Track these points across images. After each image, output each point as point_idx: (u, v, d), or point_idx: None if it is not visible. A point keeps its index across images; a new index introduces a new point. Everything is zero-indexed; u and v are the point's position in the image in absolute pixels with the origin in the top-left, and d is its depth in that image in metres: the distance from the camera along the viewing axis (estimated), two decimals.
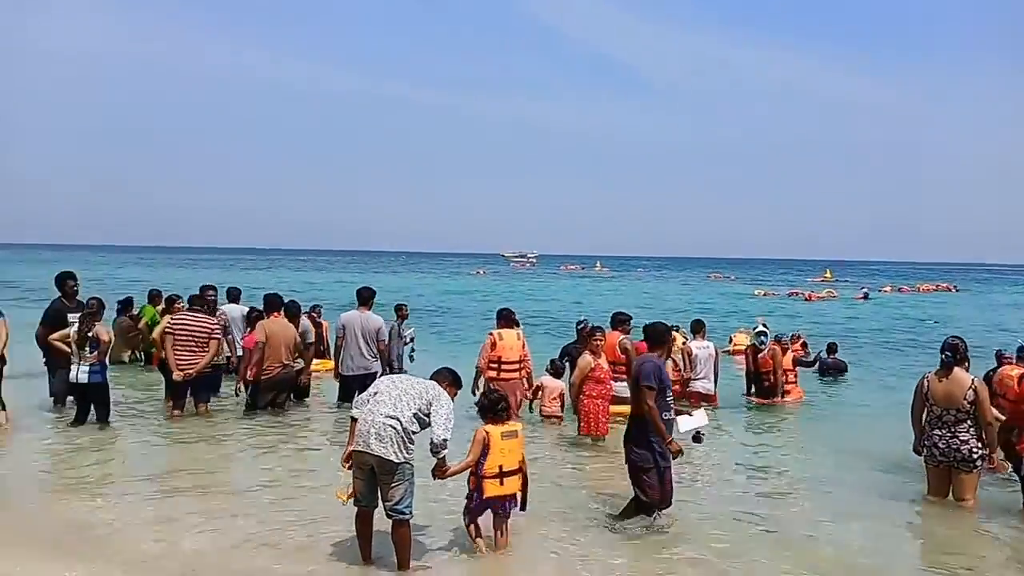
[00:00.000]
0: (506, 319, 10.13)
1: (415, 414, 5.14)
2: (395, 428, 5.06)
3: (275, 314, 9.88)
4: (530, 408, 10.32)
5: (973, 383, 6.64)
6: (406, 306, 12.88)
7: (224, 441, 8.66)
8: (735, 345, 17.96)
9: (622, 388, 9.59)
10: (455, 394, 5.44)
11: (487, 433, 5.42)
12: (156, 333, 10.57)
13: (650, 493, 5.94)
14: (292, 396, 10.27)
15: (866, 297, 44.14)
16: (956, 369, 6.71)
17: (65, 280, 9.69)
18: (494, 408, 5.54)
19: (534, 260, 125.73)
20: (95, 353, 8.67)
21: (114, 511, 6.17)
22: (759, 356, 11.97)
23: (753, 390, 12.10)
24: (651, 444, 5.96)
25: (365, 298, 10.55)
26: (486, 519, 5.53)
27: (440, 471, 5.31)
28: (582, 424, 8.89)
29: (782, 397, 11.80)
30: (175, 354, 9.27)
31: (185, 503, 6.42)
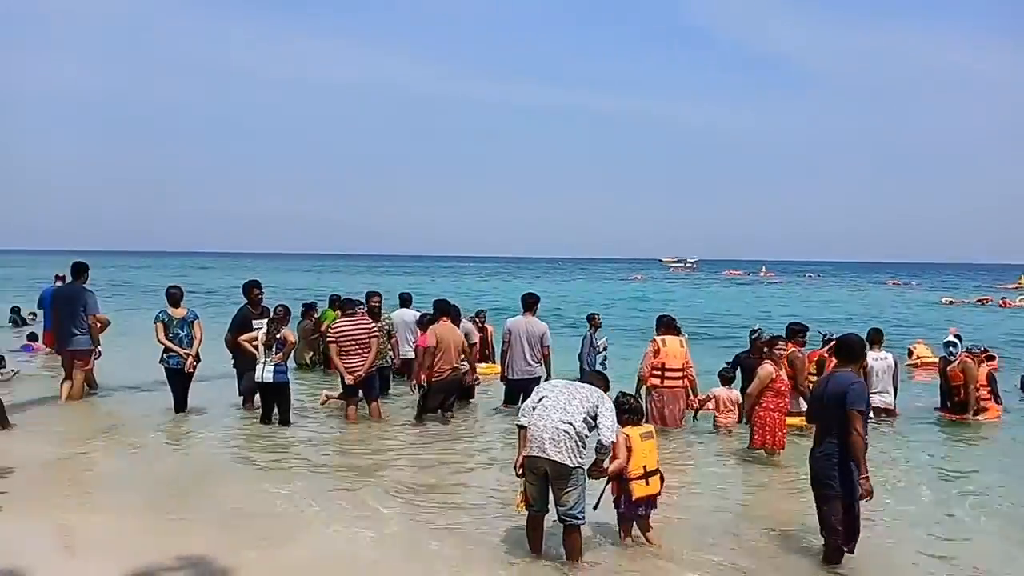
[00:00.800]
0: (668, 325, 10.03)
1: (584, 419, 5.23)
2: (568, 433, 5.15)
3: (444, 319, 10.27)
4: (694, 418, 10.14)
5: None
6: (598, 315, 13.35)
7: (394, 440, 9.09)
8: (918, 358, 16.81)
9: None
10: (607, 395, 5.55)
11: (627, 436, 5.54)
12: None
13: (833, 521, 5.42)
14: (459, 398, 10.64)
15: None
16: None
17: (251, 288, 10.52)
18: (630, 410, 5.72)
19: (694, 265, 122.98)
20: (280, 353, 9.34)
21: (290, 500, 6.66)
22: (948, 369, 11.15)
23: (946, 405, 11.20)
24: (846, 473, 5.34)
25: (530, 304, 10.77)
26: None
27: (597, 470, 5.44)
28: (756, 436, 8.62)
29: (975, 414, 10.87)
30: (342, 359, 9.86)
31: (347, 497, 6.81)
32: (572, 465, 5.14)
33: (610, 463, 5.50)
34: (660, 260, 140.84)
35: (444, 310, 10.38)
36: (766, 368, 8.61)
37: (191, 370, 10.05)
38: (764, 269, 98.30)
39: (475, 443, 9.17)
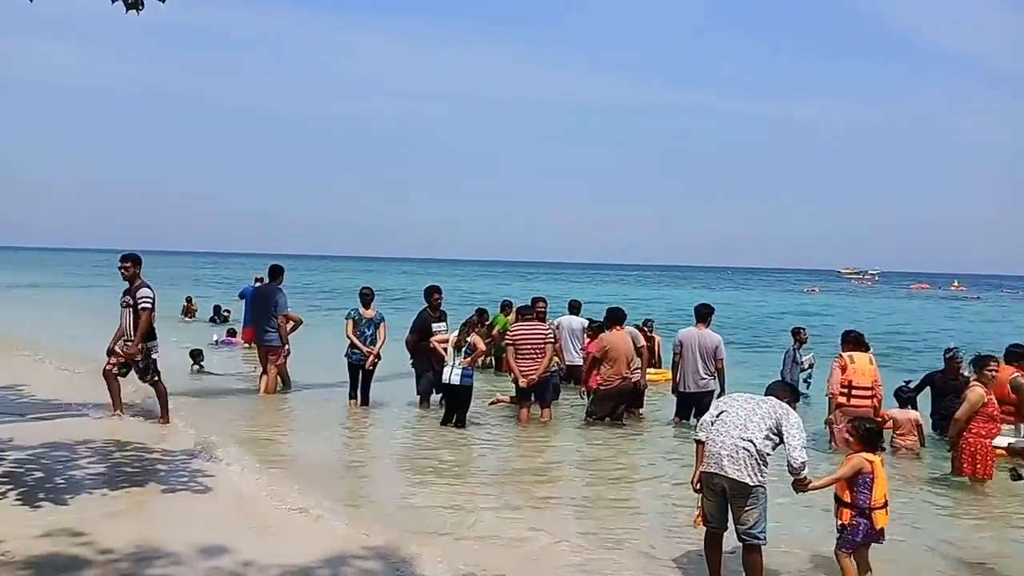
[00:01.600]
0: (855, 341, 9.52)
1: (767, 435, 5.03)
2: (748, 451, 4.98)
3: (616, 327, 10.24)
4: None
5: None
6: (804, 330, 12.97)
7: (564, 446, 9.17)
8: None
9: (1007, 431, 8.70)
10: (794, 408, 5.24)
11: (870, 462, 5.20)
12: None
13: None
14: (629, 406, 10.59)
15: None
16: None
17: (432, 293, 10.98)
18: (870, 434, 5.37)
19: (875, 277, 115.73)
20: (468, 358, 9.67)
21: (465, 497, 6.89)
22: None
23: None
24: None
25: (703, 315, 10.53)
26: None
27: (801, 484, 5.13)
28: (964, 464, 7.95)
29: None
30: (518, 362, 10.01)
31: (520, 498, 6.93)
32: (751, 483, 4.96)
33: (819, 479, 5.29)
34: (839, 272, 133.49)
35: (617, 318, 10.36)
36: (976, 391, 7.92)
37: (371, 367, 10.64)
38: (956, 283, 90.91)
39: (646, 454, 9.07)
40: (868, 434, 5.35)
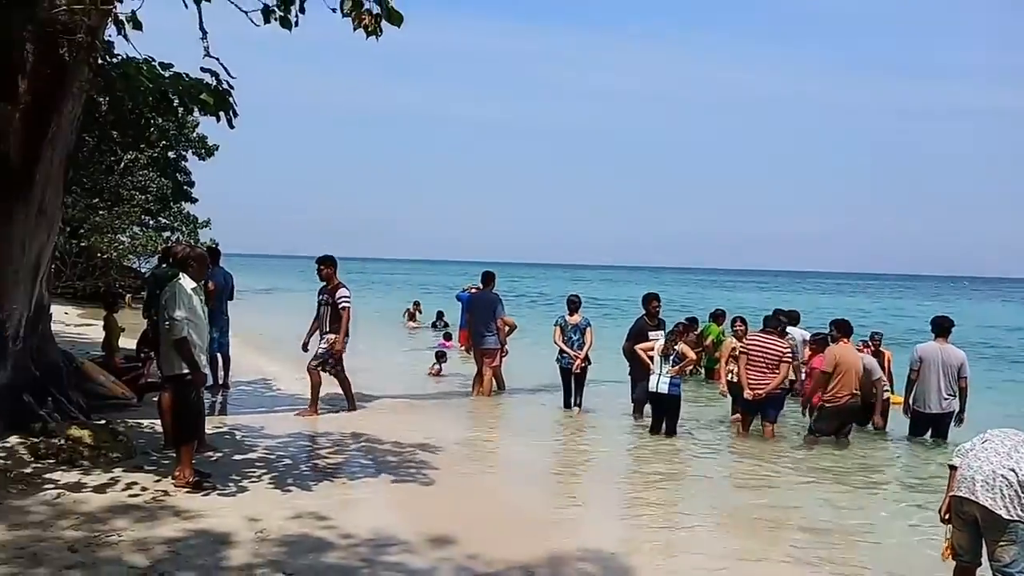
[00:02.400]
0: None
1: None
2: (1008, 480, 4.53)
3: (844, 340, 9.67)
4: None
5: None
6: None
7: (780, 464, 8.71)
8: None
9: None
10: None
11: None
12: (724, 351, 11.25)
13: None
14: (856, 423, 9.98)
15: None
16: None
17: (650, 300, 10.99)
18: None
19: None
20: (676, 367, 9.57)
21: (674, 508, 6.69)
22: None
23: None
24: None
25: (944, 328, 9.72)
26: None
27: None
28: None
29: None
30: (747, 374, 9.74)
31: (733, 518, 6.73)
32: (1006, 517, 4.50)
33: None
34: None
35: (845, 330, 9.77)
36: None
37: (578, 370, 10.89)
38: None
39: (879, 476, 8.49)
40: None
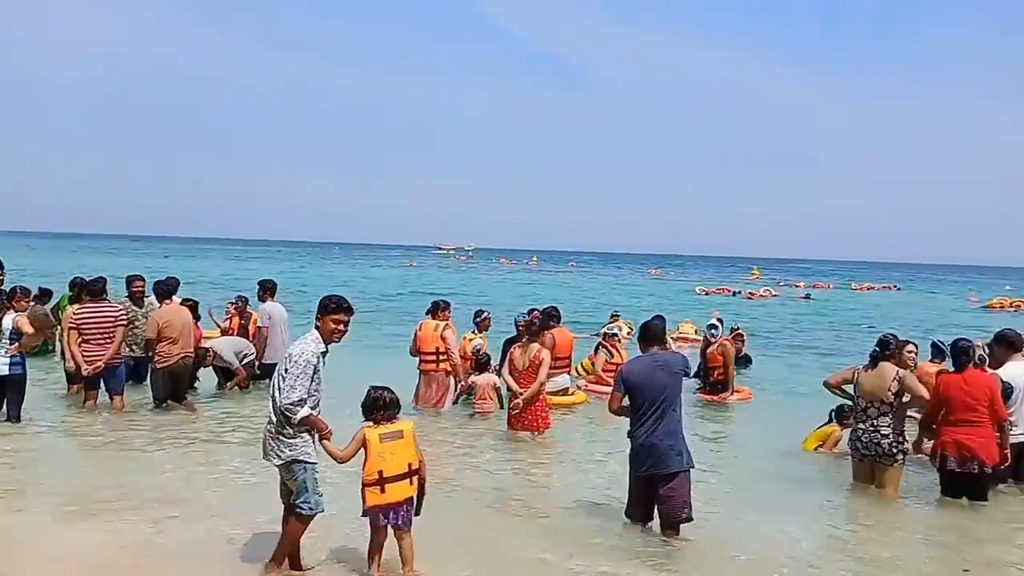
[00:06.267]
0: (429, 311, 10.68)
1: None
2: None
3: (168, 300, 10.13)
4: (456, 401, 10.61)
5: (897, 374, 7.16)
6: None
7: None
8: (679, 332, 18.64)
9: (561, 381, 10.81)
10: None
11: (364, 435, 5.08)
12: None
13: None
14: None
15: (808, 297, 45.21)
16: (883, 363, 7.24)
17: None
18: (373, 406, 5.17)
19: (470, 253, 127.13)
20: (15, 344, 8.60)
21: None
22: (708, 351, 12.16)
23: (701, 385, 12.27)
24: None
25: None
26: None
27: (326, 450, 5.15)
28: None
29: (731, 393, 11.96)
30: (82, 348, 9.33)
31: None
32: None
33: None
34: (439, 247, 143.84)
35: (170, 291, 10.38)
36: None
37: None
38: (535, 259, 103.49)
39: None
40: (363, 404, 5.21)
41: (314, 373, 4.97)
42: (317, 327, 5.08)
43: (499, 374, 10.07)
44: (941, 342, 9.34)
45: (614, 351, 12.02)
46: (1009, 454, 7.10)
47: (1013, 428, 7.21)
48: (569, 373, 11.52)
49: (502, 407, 10.01)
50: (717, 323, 12.76)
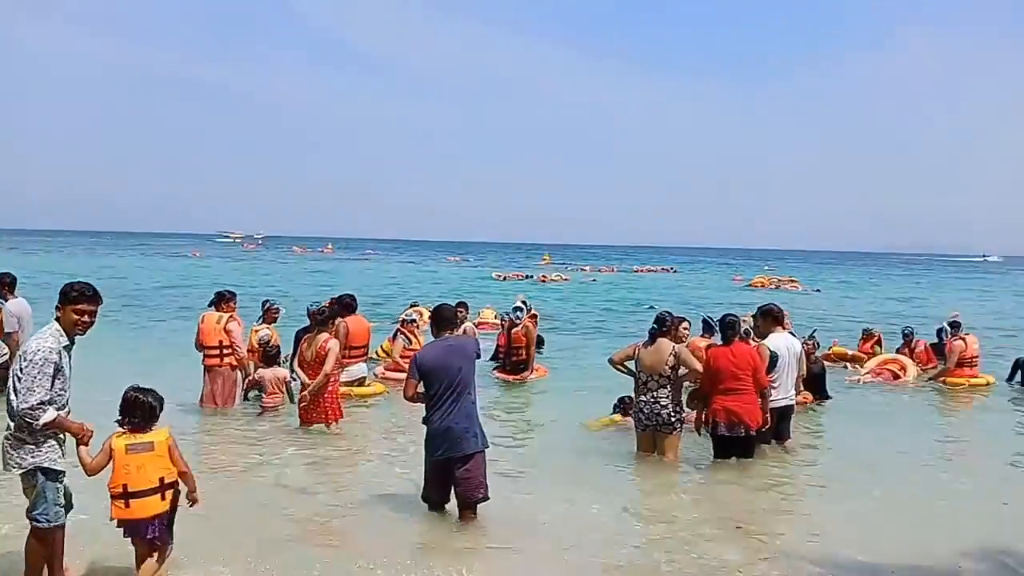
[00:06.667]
0: (213, 302, 10.20)
1: None
2: None
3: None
4: (246, 397, 10.24)
5: (674, 349, 7.79)
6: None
7: None
8: (480, 318, 19.09)
9: (357, 371, 10.86)
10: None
11: (111, 444, 4.68)
12: None
13: None
14: None
15: (595, 280, 48.24)
16: (660, 339, 7.85)
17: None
18: (124, 409, 4.77)
19: (259, 241, 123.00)
20: None
21: None
22: (513, 331, 12.72)
23: (499, 365, 12.95)
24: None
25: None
26: None
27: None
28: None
29: (531, 372, 12.70)
30: None
31: None
32: None
33: None
34: (228, 235, 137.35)
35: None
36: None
37: None
38: (330, 246, 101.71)
39: None
40: (119, 408, 4.82)
41: (57, 371, 4.52)
42: (58, 319, 4.63)
43: (291, 367, 9.79)
44: (710, 318, 10.22)
45: (412, 337, 12.16)
46: (769, 417, 7.92)
47: (774, 394, 8.04)
48: (366, 361, 11.44)
49: (292, 401, 9.69)
50: (522, 305, 13.29)
